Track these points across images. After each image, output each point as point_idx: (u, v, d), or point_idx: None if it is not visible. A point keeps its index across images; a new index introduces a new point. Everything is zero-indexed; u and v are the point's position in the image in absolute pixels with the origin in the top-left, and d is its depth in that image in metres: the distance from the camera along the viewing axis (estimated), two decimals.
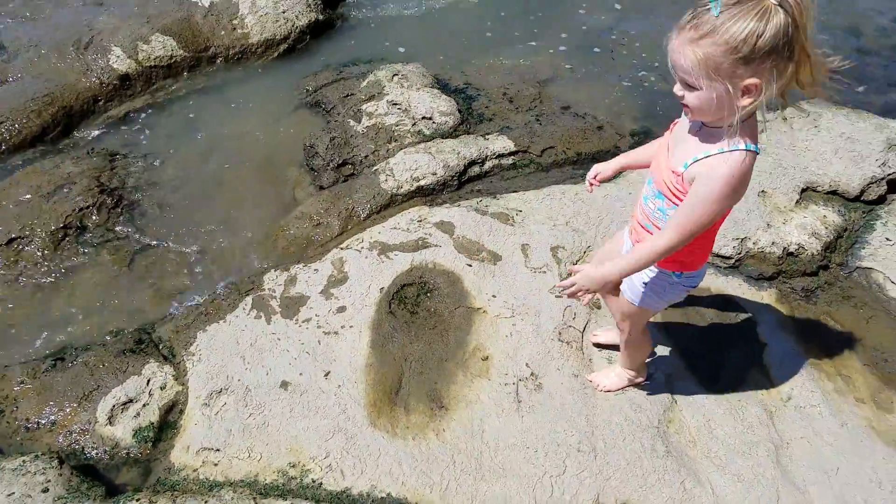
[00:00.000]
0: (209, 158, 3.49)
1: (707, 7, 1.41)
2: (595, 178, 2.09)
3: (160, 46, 3.91)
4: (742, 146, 1.54)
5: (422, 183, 3.22)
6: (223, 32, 4.06)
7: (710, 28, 1.40)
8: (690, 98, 1.53)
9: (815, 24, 1.40)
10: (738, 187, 1.57)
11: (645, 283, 1.97)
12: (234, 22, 4.11)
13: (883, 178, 3.25)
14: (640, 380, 2.45)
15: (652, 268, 1.91)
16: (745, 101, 1.47)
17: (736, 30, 1.38)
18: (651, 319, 2.66)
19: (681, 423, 2.38)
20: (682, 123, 1.71)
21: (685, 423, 2.38)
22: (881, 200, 3.28)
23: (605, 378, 2.45)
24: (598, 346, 2.59)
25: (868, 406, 2.51)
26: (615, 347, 2.51)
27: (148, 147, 3.54)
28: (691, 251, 1.82)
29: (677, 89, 1.56)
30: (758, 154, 1.57)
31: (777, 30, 1.37)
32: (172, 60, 3.90)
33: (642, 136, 3.71)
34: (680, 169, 1.64)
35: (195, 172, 3.42)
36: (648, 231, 1.85)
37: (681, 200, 1.67)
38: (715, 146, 1.57)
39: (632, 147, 3.55)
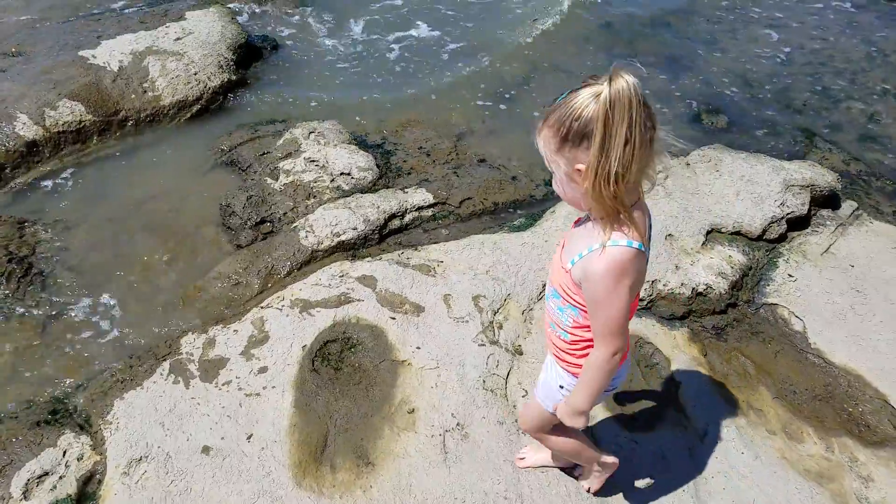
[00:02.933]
0: (122, 222, 3.56)
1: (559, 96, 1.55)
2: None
3: (68, 112, 3.99)
4: (621, 242, 1.57)
5: (342, 238, 3.39)
6: (133, 96, 4.18)
7: (550, 111, 1.54)
8: (553, 183, 1.67)
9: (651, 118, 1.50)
10: (620, 279, 1.59)
11: (561, 387, 1.98)
12: (145, 85, 4.24)
13: (782, 218, 3.62)
14: (606, 470, 2.38)
15: (566, 374, 1.93)
16: (586, 184, 1.52)
17: (561, 112, 1.50)
18: None
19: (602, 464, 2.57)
20: (582, 219, 1.77)
21: (608, 467, 2.57)
22: (782, 238, 3.64)
23: (585, 482, 2.47)
24: (527, 467, 2.55)
25: (779, 437, 2.76)
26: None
27: (58, 213, 3.59)
28: None
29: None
30: (641, 251, 1.60)
31: (593, 114, 1.44)
32: (81, 125, 3.98)
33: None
34: (567, 266, 1.70)
35: (108, 237, 3.48)
36: (552, 329, 1.91)
37: (573, 300, 1.73)
38: (595, 242, 1.61)
39: (545, 197, 3.85)
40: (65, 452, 2.49)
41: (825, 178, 3.83)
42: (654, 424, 2.72)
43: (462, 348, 2.91)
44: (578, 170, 1.52)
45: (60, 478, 2.42)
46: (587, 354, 1.80)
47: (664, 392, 2.86)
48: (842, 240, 3.71)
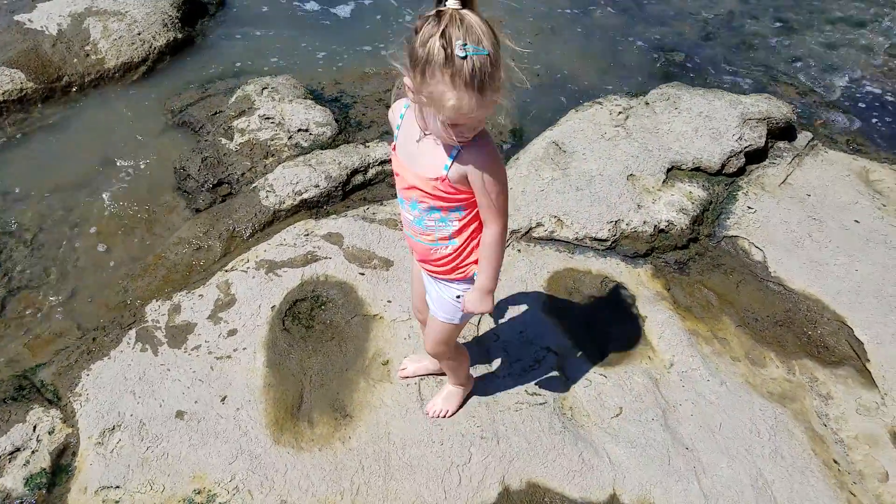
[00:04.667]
0: (74, 191, 3.51)
1: None
2: None
3: (7, 80, 3.87)
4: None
5: (305, 196, 3.39)
6: (76, 60, 4.07)
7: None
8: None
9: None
10: (500, 159, 1.81)
11: (458, 297, 2.09)
12: (87, 48, 4.12)
13: (740, 151, 3.72)
14: (469, 388, 2.60)
15: (458, 283, 2.05)
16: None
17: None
18: (538, 304, 2.96)
19: (574, 399, 2.67)
20: (405, 146, 1.87)
21: (578, 398, 2.67)
22: (741, 172, 3.75)
23: (441, 404, 2.56)
24: (407, 377, 2.69)
25: (743, 364, 2.89)
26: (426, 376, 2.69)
27: (5, 186, 3.51)
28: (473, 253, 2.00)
29: None
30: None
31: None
32: (23, 93, 3.88)
33: (519, 135, 4.05)
34: (441, 173, 1.78)
35: (60, 208, 3.43)
36: (432, 250, 1.99)
37: (455, 199, 1.83)
38: (452, 144, 1.73)
39: (507, 142, 3.88)
40: (35, 427, 2.49)
41: (781, 111, 3.92)
42: (622, 359, 2.83)
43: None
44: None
45: (33, 452, 2.42)
46: (474, 251, 1.97)
47: (630, 328, 2.96)
48: (798, 170, 3.83)
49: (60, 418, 2.53)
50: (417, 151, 1.81)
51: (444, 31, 1.49)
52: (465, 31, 1.49)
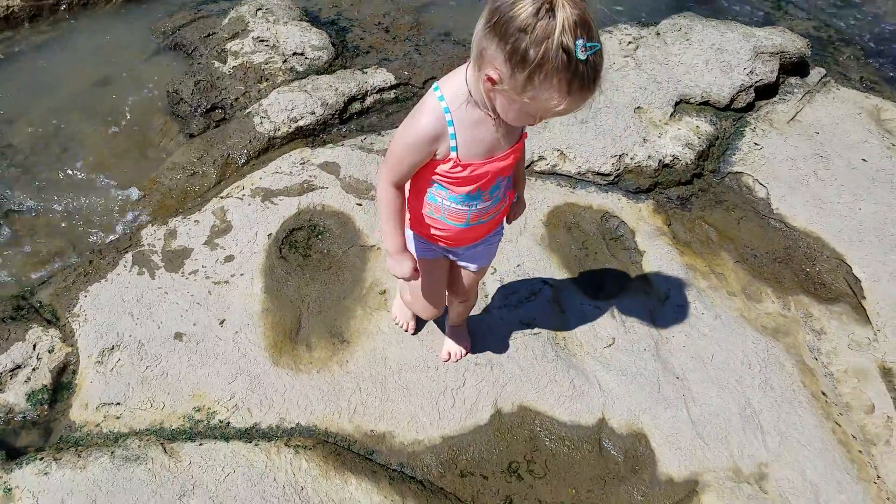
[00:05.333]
0: (66, 114, 3.61)
1: None
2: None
3: None
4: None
5: (300, 123, 3.49)
6: None
7: None
8: None
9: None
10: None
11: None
12: None
13: (751, 86, 3.81)
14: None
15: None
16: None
17: None
18: (535, 238, 3.10)
19: (568, 330, 2.84)
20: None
21: (572, 329, 2.84)
22: (750, 108, 3.85)
23: (457, 346, 2.70)
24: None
25: (739, 298, 3.06)
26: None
27: None
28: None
29: None
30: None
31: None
32: (10, 11, 3.94)
33: None
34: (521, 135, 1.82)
35: (52, 131, 3.54)
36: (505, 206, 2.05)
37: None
38: None
39: None
40: (35, 346, 2.66)
41: (795, 45, 3.99)
42: (618, 292, 2.99)
43: None
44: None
45: (33, 370, 2.60)
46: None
47: (628, 261, 3.11)
48: (808, 107, 3.93)
49: (59, 338, 2.70)
50: (492, 136, 1.71)
51: (563, 28, 1.34)
52: (583, 25, 1.36)
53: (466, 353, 2.71)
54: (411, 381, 2.63)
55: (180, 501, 2.24)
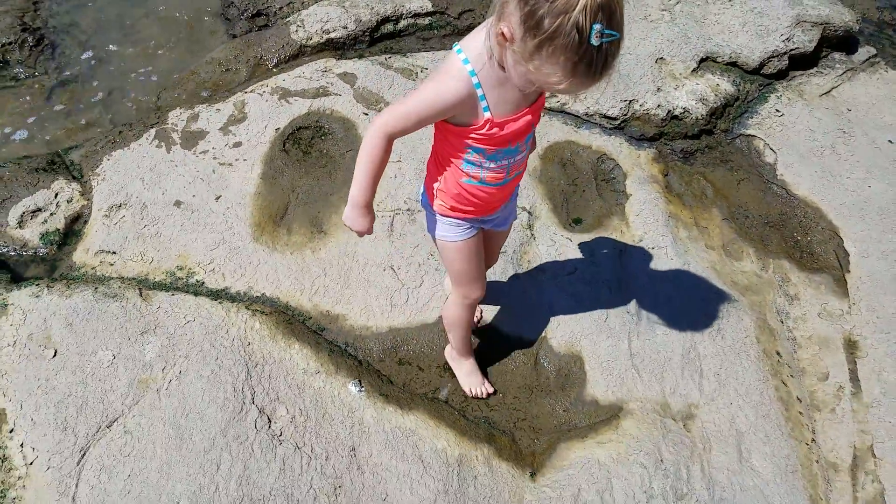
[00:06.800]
0: (129, 5, 3.90)
1: None
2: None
3: None
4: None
5: (332, 36, 3.65)
6: None
7: None
8: None
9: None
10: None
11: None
12: None
13: (785, 53, 3.70)
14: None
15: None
16: None
17: None
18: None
19: (535, 254, 2.91)
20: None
21: (539, 254, 2.91)
22: (783, 76, 3.74)
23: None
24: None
25: (716, 252, 3.04)
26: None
27: None
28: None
29: None
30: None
31: None
32: None
33: None
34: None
35: (115, 17, 3.84)
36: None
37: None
38: None
39: None
40: (56, 195, 2.96)
41: (843, 17, 3.83)
42: (593, 228, 3.03)
43: (426, 146, 3.21)
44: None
45: (51, 214, 2.90)
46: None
47: (612, 202, 3.14)
48: (847, 84, 3.78)
49: (79, 191, 2.99)
50: (517, 92, 1.66)
51: (586, 8, 1.30)
52: (607, 10, 1.32)
53: (481, 318, 2.75)
54: (373, 276, 2.79)
55: (142, 337, 2.49)
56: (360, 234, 1.93)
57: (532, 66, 1.43)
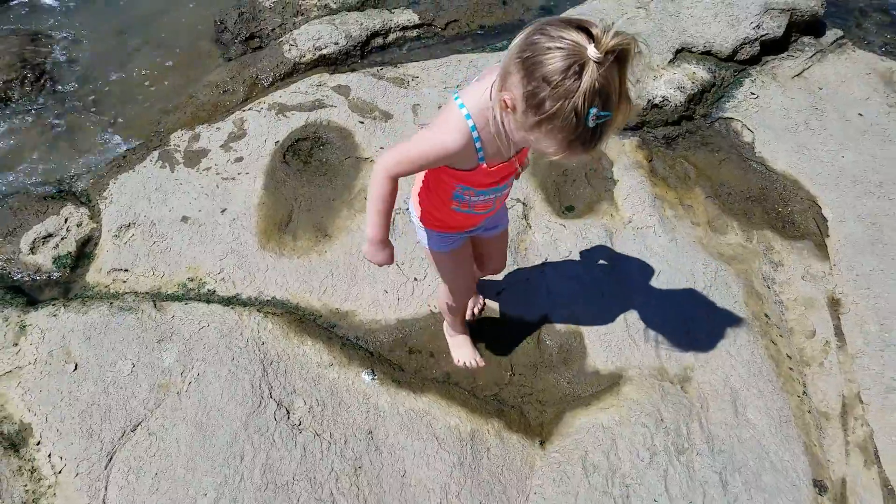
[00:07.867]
0: (126, 36, 4.04)
1: None
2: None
3: None
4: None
5: (324, 52, 3.78)
6: None
7: None
8: None
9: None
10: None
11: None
12: None
13: (756, 40, 3.83)
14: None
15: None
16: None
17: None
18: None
19: (531, 242, 3.02)
20: None
21: (535, 242, 3.02)
22: (755, 61, 3.87)
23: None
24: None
25: (702, 228, 3.15)
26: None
27: (67, 27, 4.08)
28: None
29: None
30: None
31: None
32: None
33: (549, 10, 4.26)
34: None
35: (113, 49, 3.97)
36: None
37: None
38: None
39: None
40: (66, 220, 3.06)
41: (808, 3, 3.96)
42: (585, 214, 3.14)
43: None
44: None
45: (62, 238, 3.00)
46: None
47: (602, 189, 3.25)
48: (817, 65, 3.92)
49: (88, 215, 3.09)
50: (512, 144, 1.72)
51: (585, 95, 1.37)
52: (603, 94, 1.38)
53: (484, 307, 2.85)
54: (379, 272, 2.88)
55: (159, 345, 2.58)
56: (381, 265, 2.03)
57: (531, 137, 1.52)
